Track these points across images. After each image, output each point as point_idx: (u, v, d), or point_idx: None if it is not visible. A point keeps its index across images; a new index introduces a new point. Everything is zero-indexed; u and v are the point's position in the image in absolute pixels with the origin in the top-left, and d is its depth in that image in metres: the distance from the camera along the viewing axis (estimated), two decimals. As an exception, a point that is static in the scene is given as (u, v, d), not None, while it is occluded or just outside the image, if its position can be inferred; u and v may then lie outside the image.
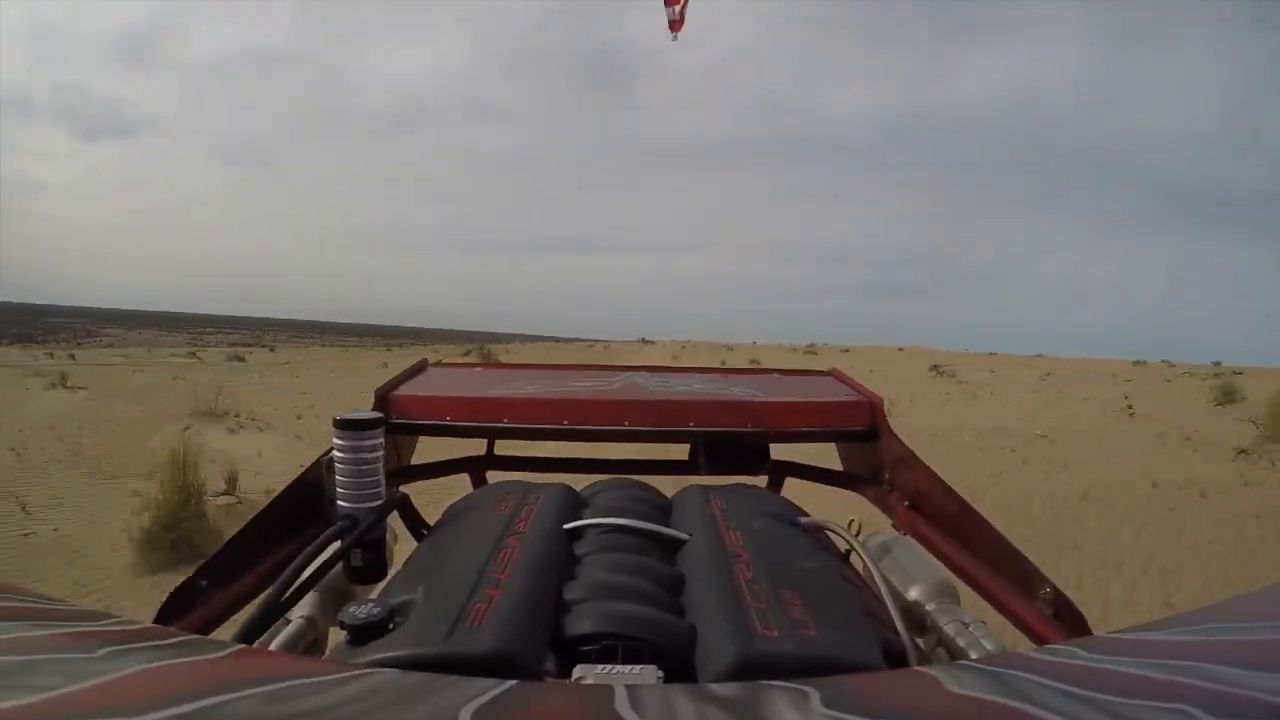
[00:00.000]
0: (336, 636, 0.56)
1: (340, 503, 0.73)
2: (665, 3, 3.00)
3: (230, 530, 0.98)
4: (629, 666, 0.50)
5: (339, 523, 0.71)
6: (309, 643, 0.68)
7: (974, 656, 0.65)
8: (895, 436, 1.08)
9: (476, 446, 1.26)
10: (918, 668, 0.52)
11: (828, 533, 0.80)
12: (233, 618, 0.71)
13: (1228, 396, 11.88)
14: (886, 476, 1.08)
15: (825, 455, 1.24)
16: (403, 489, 0.87)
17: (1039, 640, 0.68)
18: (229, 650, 0.38)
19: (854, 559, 0.79)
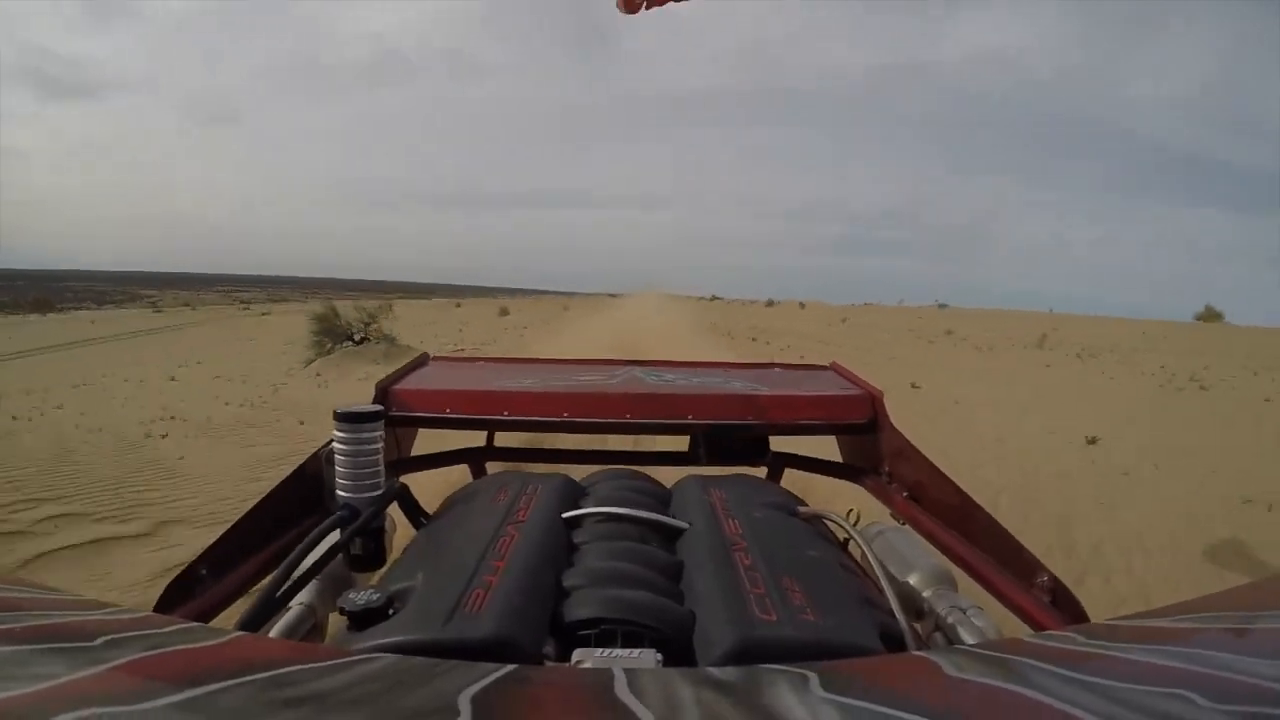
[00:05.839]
0: (337, 624, 0.57)
1: (340, 493, 0.73)
2: None
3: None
4: (628, 651, 0.51)
5: (339, 513, 0.71)
6: (309, 629, 0.68)
7: (971, 642, 0.65)
8: (895, 429, 1.08)
9: (479, 438, 1.26)
10: (916, 652, 0.53)
11: (826, 522, 0.80)
12: (233, 606, 0.71)
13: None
14: (886, 468, 1.09)
15: (822, 448, 1.24)
16: (402, 479, 0.86)
17: (1037, 627, 0.68)
18: (229, 637, 0.39)
19: (852, 547, 0.79)
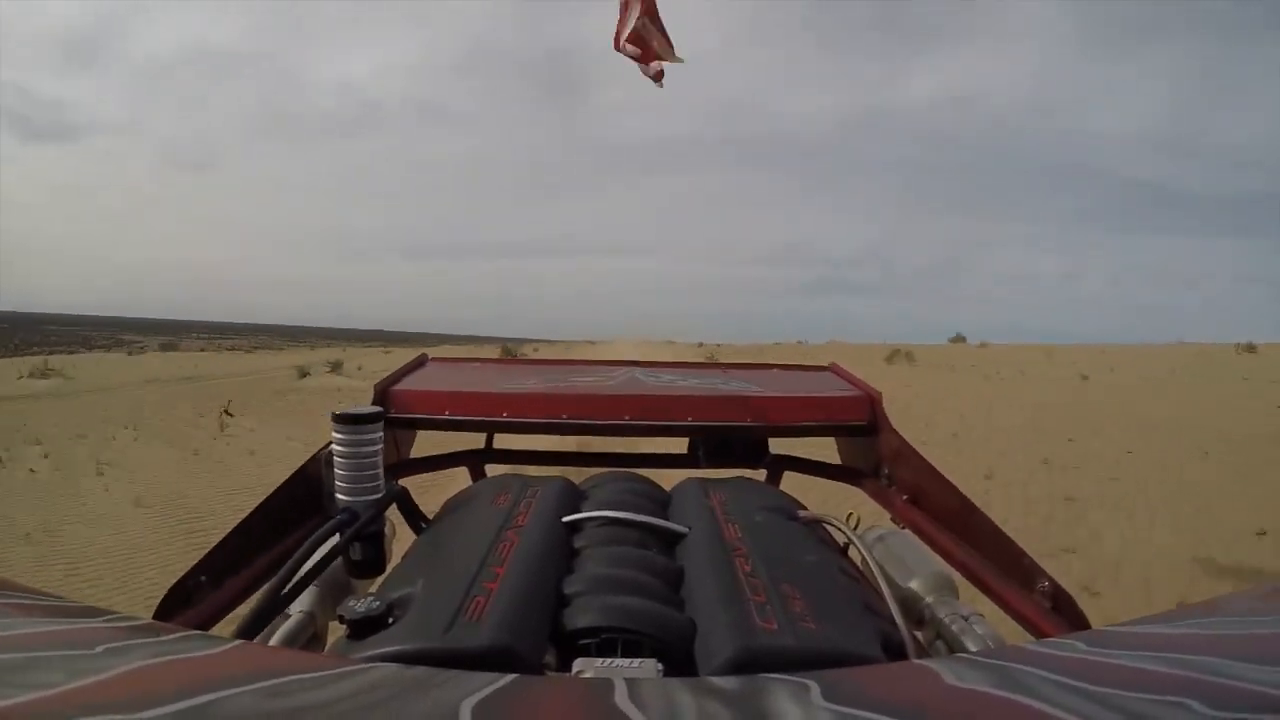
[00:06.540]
0: (337, 631, 0.56)
1: (339, 496, 0.72)
2: (641, 60, 3.35)
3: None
4: (628, 660, 0.51)
5: (338, 516, 0.70)
6: (309, 637, 0.68)
7: (972, 649, 0.65)
8: (894, 431, 1.08)
9: (476, 440, 1.26)
10: (917, 660, 0.52)
11: (826, 526, 0.80)
12: (233, 613, 0.70)
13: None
14: (885, 471, 1.08)
15: (821, 450, 1.24)
16: (401, 482, 0.85)
17: (1037, 634, 0.68)
18: (229, 645, 0.38)
19: (852, 552, 0.78)
